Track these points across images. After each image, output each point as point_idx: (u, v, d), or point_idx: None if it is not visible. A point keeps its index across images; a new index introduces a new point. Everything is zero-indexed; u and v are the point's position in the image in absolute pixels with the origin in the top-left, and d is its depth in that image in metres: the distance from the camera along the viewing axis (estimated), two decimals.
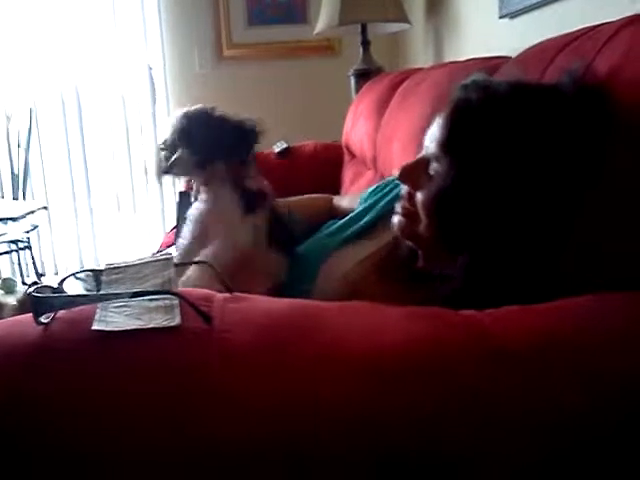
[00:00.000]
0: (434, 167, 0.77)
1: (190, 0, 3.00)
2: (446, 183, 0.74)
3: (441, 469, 0.45)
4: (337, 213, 1.28)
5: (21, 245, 3.03)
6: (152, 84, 3.22)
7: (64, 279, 0.60)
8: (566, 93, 0.71)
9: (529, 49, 1.02)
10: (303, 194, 1.41)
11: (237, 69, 3.04)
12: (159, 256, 0.65)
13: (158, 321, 0.52)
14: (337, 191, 1.99)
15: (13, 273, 3.36)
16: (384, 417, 0.45)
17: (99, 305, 0.54)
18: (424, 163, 0.79)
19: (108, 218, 3.44)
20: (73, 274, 0.62)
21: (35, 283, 1.10)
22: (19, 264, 3.29)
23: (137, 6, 3.10)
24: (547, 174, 0.68)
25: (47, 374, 0.49)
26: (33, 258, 3.08)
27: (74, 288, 0.61)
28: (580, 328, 0.53)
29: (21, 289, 3.19)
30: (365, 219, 1.05)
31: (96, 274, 0.63)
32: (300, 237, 1.15)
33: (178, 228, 2.00)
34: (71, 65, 3.19)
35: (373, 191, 1.15)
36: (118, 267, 0.62)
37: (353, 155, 2.09)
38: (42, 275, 3.18)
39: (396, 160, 1.43)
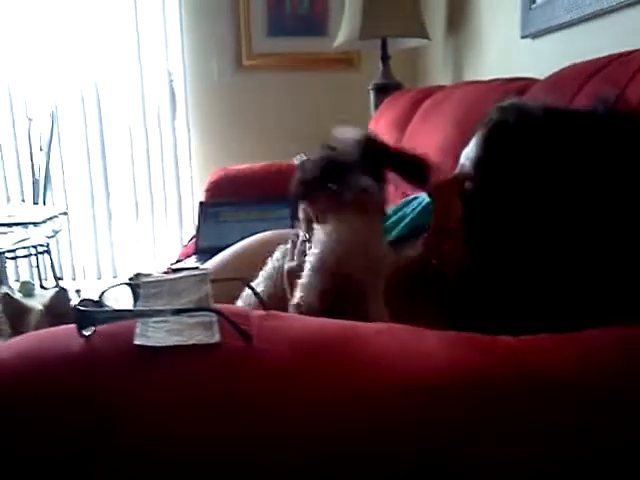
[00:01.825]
0: (468, 186, 0.77)
1: (211, 9, 3.04)
2: (478, 202, 0.75)
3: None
4: None
5: (40, 249, 3.07)
6: (172, 91, 3.26)
7: (104, 292, 0.61)
8: (599, 119, 0.71)
9: (558, 72, 1.03)
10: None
11: (256, 79, 3.07)
12: (195, 271, 0.66)
13: (198, 337, 0.53)
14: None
15: (32, 276, 3.40)
16: (427, 437, 0.46)
17: (139, 320, 0.56)
18: (457, 181, 0.79)
19: (126, 224, 3.47)
20: (112, 286, 0.63)
21: (61, 288, 1.12)
22: (37, 267, 3.33)
23: (158, 14, 3.15)
24: (580, 198, 0.68)
25: (90, 387, 0.50)
26: (52, 262, 3.11)
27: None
28: (613, 360, 0.53)
29: (39, 292, 3.23)
30: (390, 237, 1.06)
31: (134, 288, 0.64)
32: None
33: (198, 238, 2.02)
34: (92, 70, 3.24)
35: (396, 208, 1.15)
36: (155, 281, 0.64)
37: None
38: (60, 279, 3.21)
39: None
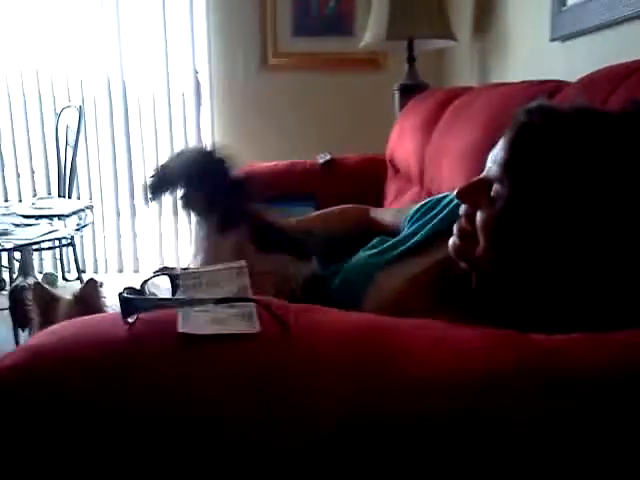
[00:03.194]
0: (495, 189, 0.78)
1: (238, 7, 3.07)
2: (507, 205, 0.75)
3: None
4: (376, 225, 1.29)
5: (64, 242, 3.11)
6: (197, 88, 3.29)
7: (145, 281, 0.63)
8: (630, 120, 0.71)
9: (590, 75, 1.03)
10: (345, 204, 1.43)
11: (281, 78, 3.09)
12: (233, 264, 0.68)
13: (239, 327, 0.55)
14: (380, 203, 2.01)
15: (55, 268, 3.45)
16: (467, 434, 0.47)
17: (181, 309, 0.57)
18: (485, 184, 0.79)
19: (149, 219, 3.51)
20: (152, 276, 0.65)
21: (91, 279, 1.15)
22: (61, 260, 3.38)
23: (185, 11, 3.18)
24: (611, 201, 0.69)
25: (134, 372, 0.52)
26: (75, 255, 3.16)
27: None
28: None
29: (62, 284, 3.28)
30: (416, 238, 1.06)
31: (172, 278, 0.65)
32: (329, 247, 1.18)
33: None
34: (120, 66, 3.28)
35: (420, 209, 1.15)
36: (194, 272, 0.65)
37: (397, 170, 2.11)
38: (83, 272, 3.25)
39: (445, 178, 1.45)
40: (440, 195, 1.13)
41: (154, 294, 0.63)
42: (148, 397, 0.50)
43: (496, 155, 0.79)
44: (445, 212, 1.04)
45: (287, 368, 0.52)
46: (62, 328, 0.60)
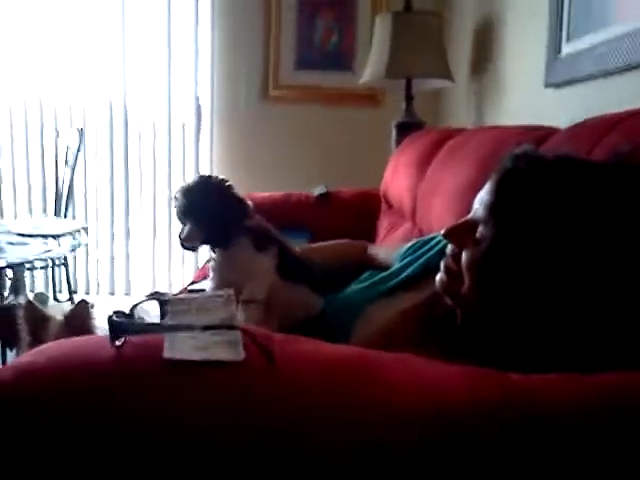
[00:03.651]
0: (480, 230, 0.80)
1: (242, 38, 3.12)
2: (490, 247, 0.77)
3: None
4: (371, 262, 1.32)
5: (57, 262, 3.12)
6: (198, 115, 3.34)
7: (135, 306, 0.64)
8: (612, 170, 0.74)
9: (579, 124, 1.06)
10: (339, 237, 1.46)
11: (281, 109, 3.14)
12: (221, 292, 0.69)
13: (224, 354, 0.56)
14: (372, 237, 2.04)
15: (46, 288, 3.44)
16: (444, 463, 0.48)
17: (168, 334, 0.58)
18: (471, 225, 0.81)
19: (143, 243, 3.52)
20: (142, 301, 0.66)
21: (83, 300, 1.16)
22: (53, 280, 3.38)
23: (190, 39, 3.25)
24: (590, 246, 0.71)
25: (119, 394, 0.53)
26: (68, 275, 3.16)
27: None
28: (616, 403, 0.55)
29: (52, 304, 3.27)
30: (405, 273, 1.08)
31: (162, 303, 0.67)
32: (327, 279, 1.21)
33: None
34: (122, 91, 3.33)
35: (412, 246, 1.18)
36: (184, 299, 0.67)
37: (390, 205, 2.14)
38: (75, 292, 3.25)
39: (436, 216, 1.47)
40: (430, 236, 1.15)
41: (143, 318, 0.64)
42: (133, 419, 0.51)
43: (482, 197, 0.82)
44: (434, 251, 1.06)
45: (271, 396, 0.53)
46: (50, 348, 0.61)
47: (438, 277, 0.87)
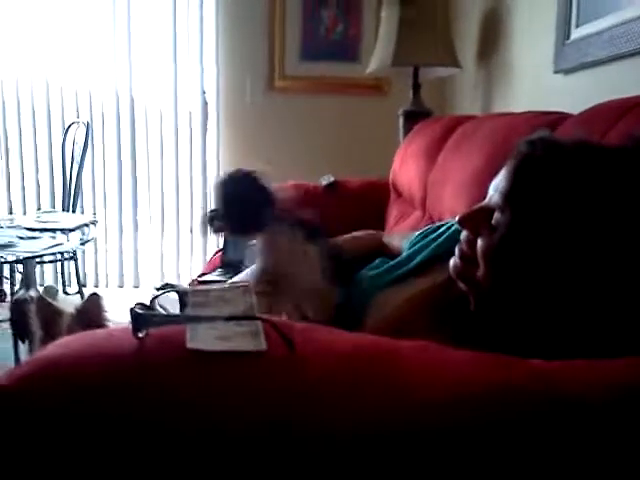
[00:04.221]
0: (496, 217, 0.79)
1: (247, 29, 3.12)
2: (507, 234, 0.77)
3: None
4: (387, 250, 1.32)
5: (66, 255, 3.13)
6: (204, 108, 3.34)
7: (155, 297, 0.65)
8: (629, 156, 0.74)
9: (592, 108, 1.06)
10: (347, 227, 1.45)
11: (287, 101, 3.13)
12: (239, 283, 0.70)
13: (246, 345, 0.56)
14: (381, 226, 2.03)
15: (55, 281, 3.46)
16: (460, 451, 0.48)
17: (189, 325, 0.59)
18: (486, 211, 0.81)
19: (152, 236, 3.53)
20: (162, 293, 0.67)
21: (94, 293, 1.17)
22: (62, 274, 3.39)
23: (195, 31, 3.24)
24: (607, 232, 0.70)
25: (145, 385, 0.53)
26: (77, 269, 3.17)
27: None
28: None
29: (62, 298, 3.29)
30: (415, 260, 1.08)
31: (181, 295, 0.67)
32: (352, 271, 1.20)
33: (224, 252, 2.06)
34: (129, 85, 3.33)
35: (422, 233, 1.18)
36: (203, 290, 0.67)
37: (399, 194, 2.14)
38: (84, 286, 3.26)
39: (446, 204, 1.47)
40: (440, 223, 1.15)
41: (164, 310, 0.64)
42: (157, 410, 0.52)
43: (498, 184, 0.81)
44: (443, 238, 1.06)
45: (293, 385, 0.53)
46: (73, 341, 0.62)
47: (452, 262, 0.87)
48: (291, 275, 1.11)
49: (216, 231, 1.17)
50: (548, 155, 0.76)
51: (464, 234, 0.86)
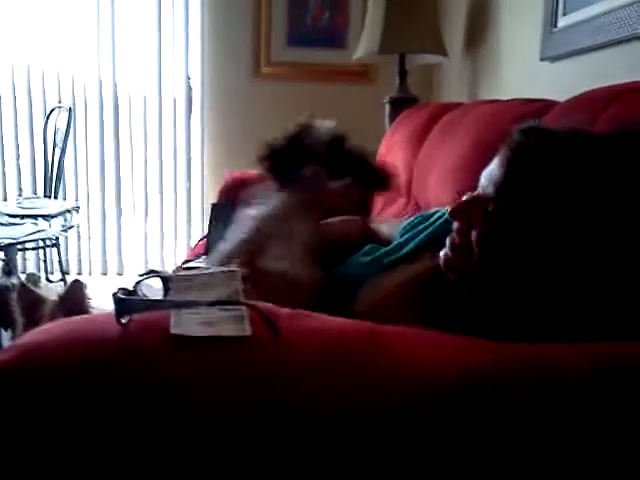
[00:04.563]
0: (491, 207, 0.79)
1: (233, 14, 3.08)
2: (501, 223, 0.76)
3: None
4: (375, 236, 1.31)
5: (49, 242, 3.09)
6: (189, 94, 3.30)
7: (138, 282, 0.64)
8: (618, 144, 0.73)
9: (578, 96, 1.06)
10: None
11: (273, 87, 3.11)
12: (224, 268, 0.69)
13: (230, 330, 0.56)
14: (366, 213, 2.03)
15: (38, 269, 3.42)
16: (447, 435, 0.48)
17: (173, 311, 0.58)
18: (479, 201, 0.81)
19: (135, 222, 3.50)
20: (144, 278, 0.66)
21: (76, 280, 1.15)
22: (45, 261, 3.35)
23: (180, 16, 3.20)
24: (601, 221, 0.70)
25: (127, 370, 0.52)
26: (60, 256, 3.14)
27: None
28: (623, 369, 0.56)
29: (44, 285, 3.26)
30: (407, 248, 1.08)
31: (165, 281, 0.66)
32: (334, 256, 1.19)
33: (209, 239, 2.05)
34: (112, 70, 3.28)
35: (413, 222, 1.17)
36: (187, 276, 0.66)
37: None
38: (67, 273, 3.23)
39: (432, 191, 1.47)
40: (430, 212, 1.15)
41: (146, 296, 0.63)
42: (140, 396, 0.51)
43: (491, 173, 0.80)
44: (435, 226, 1.06)
45: (278, 370, 0.53)
46: (55, 327, 0.61)
47: (443, 253, 0.86)
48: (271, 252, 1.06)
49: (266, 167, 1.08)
50: (542, 144, 0.75)
51: (455, 225, 0.85)
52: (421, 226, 1.09)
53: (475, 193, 0.81)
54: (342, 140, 1.07)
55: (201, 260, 1.95)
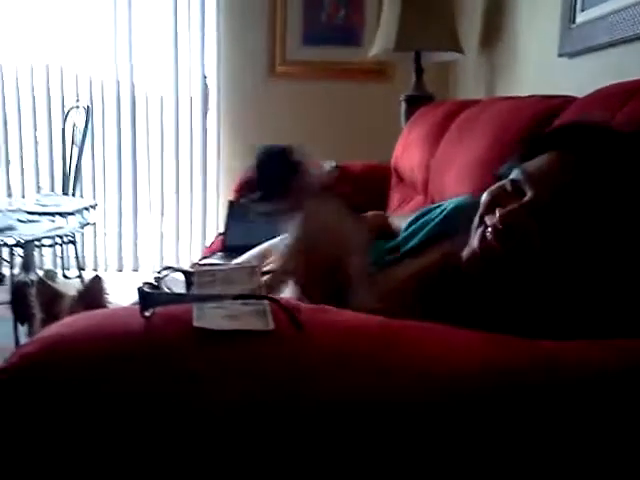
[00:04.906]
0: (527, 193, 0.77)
1: (248, 14, 3.09)
2: (547, 222, 0.75)
3: None
4: (389, 231, 1.31)
5: (66, 239, 3.12)
6: (205, 93, 3.31)
7: (162, 277, 0.64)
8: None
9: (598, 91, 1.05)
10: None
11: (288, 86, 3.11)
12: (246, 264, 0.69)
13: (253, 324, 0.56)
14: (383, 210, 2.03)
15: (54, 265, 3.46)
16: (455, 428, 0.49)
17: (195, 304, 0.59)
18: (526, 208, 0.76)
19: (151, 220, 3.53)
20: (168, 272, 0.66)
21: (96, 275, 1.15)
22: (62, 257, 3.39)
23: (196, 15, 3.21)
24: (629, 219, 0.70)
25: (152, 362, 0.53)
26: (76, 252, 3.16)
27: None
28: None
29: (61, 281, 3.29)
30: (413, 242, 1.08)
31: (187, 275, 0.67)
32: None
33: (225, 236, 2.06)
34: (129, 69, 3.30)
35: (417, 216, 1.17)
36: (209, 270, 0.67)
37: (401, 179, 2.13)
38: (83, 270, 3.26)
39: (450, 188, 1.47)
40: (435, 204, 1.15)
41: (170, 290, 0.64)
42: (164, 384, 0.52)
43: (535, 170, 0.77)
44: (439, 219, 1.06)
45: (300, 364, 0.53)
46: (78, 320, 0.62)
47: (469, 251, 0.84)
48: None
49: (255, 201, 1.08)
50: (608, 148, 0.74)
51: (500, 228, 0.82)
52: (425, 219, 1.09)
53: (525, 199, 0.78)
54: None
55: (217, 257, 1.96)
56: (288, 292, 0.97)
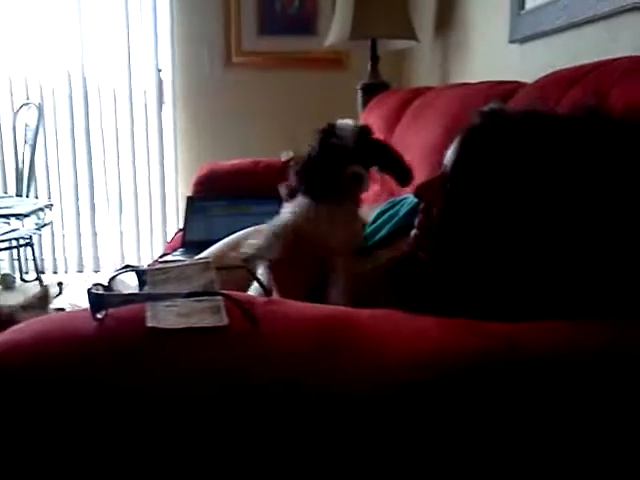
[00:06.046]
0: (447, 186, 0.80)
1: (202, 6, 3.05)
2: (453, 202, 0.78)
3: None
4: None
5: (22, 241, 3.05)
6: (160, 86, 3.26)
7: (113, 277, 0.63)
8: (579, 126, 0.75)
9: (544, 78, 1.07)
10: None
11: (245, 76, 3.09)
12: (198, 259, 0.69)
13: (207, 321, 0.56)
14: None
15: (12, 269, 3.37)
16: (414, 416, 0.49)
17: (149, 304, 0.58)
18: (439, 181, 0.82)
19: (110, 218, 3.47)
20: (119, 272, 0.65)
21: (45, 286, 1.13)
22: (19, 260, 3.31)
23: (149, 7, 3.15)
24: (551, 195, 0.71)
25: (105, 364, 0.53)
26: (34, 255, 3.09)
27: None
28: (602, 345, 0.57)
29: (19, 285, 3.21)
30: (380, 234, 1.09)
31: (139, 274, 0.66)
32: None
33: (185, 232, 2.04)
34: (80, 63, 3.23)
35: (383, 208, 1.18)
36: (162, 268, 0.66)
37: None
38: (42, 272, 3.19)
39: None
40: (401, 197, 1.16)
41: (121, 291, 0.63)
42: (121, 388, 0.51)
43: (449, 154, 0.82)
44: (404, 211, 1.07)
45: (255, 359, 0.53)
46: (30, 325, 0.60)
47: (412, 233, 0.88)
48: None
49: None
50: (496, 127, 0.77)
51: (422, 205, 0.87)
52: (392, 211, 1.10)
53: (438, 173, 0.83)
54: (367, 132, 1.08)
55: (178, 253, 1.94)
56: (260, 271, 0.98)
